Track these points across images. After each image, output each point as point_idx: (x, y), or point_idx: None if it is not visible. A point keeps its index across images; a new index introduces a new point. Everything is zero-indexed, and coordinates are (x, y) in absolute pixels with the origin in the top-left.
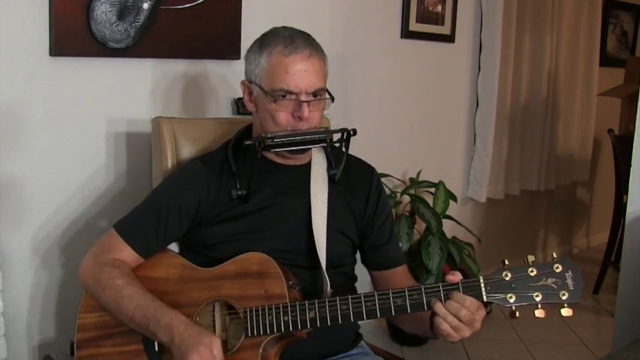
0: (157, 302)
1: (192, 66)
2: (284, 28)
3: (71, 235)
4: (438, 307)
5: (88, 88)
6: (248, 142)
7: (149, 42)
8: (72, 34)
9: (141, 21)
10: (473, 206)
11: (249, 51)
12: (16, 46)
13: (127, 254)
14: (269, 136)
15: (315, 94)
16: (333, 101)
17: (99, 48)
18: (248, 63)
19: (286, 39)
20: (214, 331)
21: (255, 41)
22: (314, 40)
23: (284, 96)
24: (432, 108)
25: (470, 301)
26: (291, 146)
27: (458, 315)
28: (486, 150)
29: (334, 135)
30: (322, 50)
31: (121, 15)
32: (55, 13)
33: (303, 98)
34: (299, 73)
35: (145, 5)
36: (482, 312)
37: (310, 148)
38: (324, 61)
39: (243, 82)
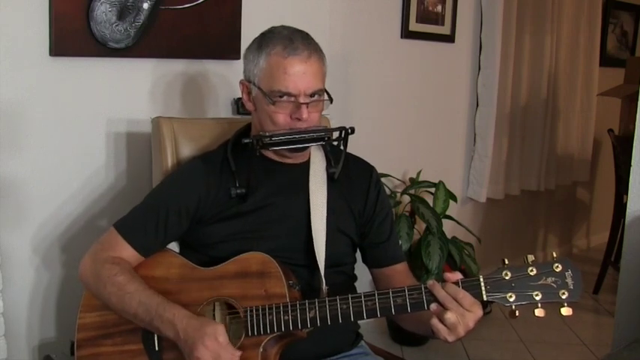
0: (159, 298)
1: (192, 66)
2: (283, 27)
3: (71, 235)
4: (437, 289)
5: (88, 88)
6: (246, 141)
7: (149, 42)
8: (72, 34)
9: (141, 21)
10: (473, 206)
11: (247, 50)
12: (16, 46)
13: (127, 253)
14: (267, 134)
15: (313, 94)
16: (331, 102)
17: (99, 48)
18: (247, 62)
19: (285, 39)
20: None
21: (254, 40)
22: (313, 39)
23: (282, 97)
24: (432, 108)
25: (463, 293)
26: (289, 145)
27: (457, 297)
28: (486, 150)
29: (333, 133)
30: (321, 50)
31: (121, 15)
32: (55, 13)
33: (301, 100)
34: (298, 74)
35: (145, 5)
36: (478, 309)
37: (308, 147)
38: (322, 62)
39: (241, 82)
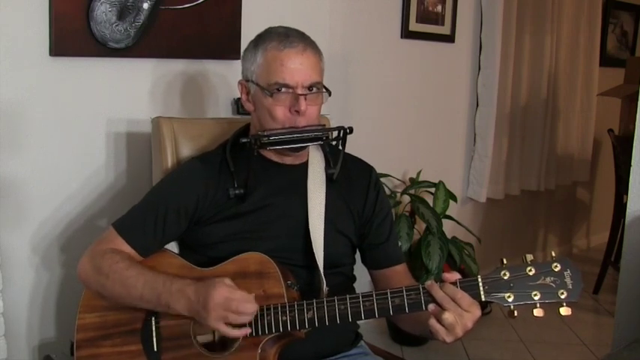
0: (163, 275)
1: (192, 66)
2: (278, 26)
3: (71, 235)
4: (435, 290)
5: (88, 88)
6: (244, 140)
7: (149, 42)
8: (72, 34)
9: (141, 21)
10: (473, 206)
11: (245, 51)
12: (16, 46)
13: (126, 251)
14: (265, 134)
15: (311, 87)
16: (330, 95)
17: (99, 48)
18: (244, 62)
19: (280, 35)
20: (213, 331)
21: (251, 41)
22: (309, 37)
23: (280, 90)
24: (432, 108)
25: (461, 293)
26: (287, 144)
27: (455, 297)
28: (486, 150)
29: (331, 133)
30: (317, 47)
31: (121, 15)
32: (55, 13)
33: (299, 91)
34: (294, 66)
35: (145, 5)
36: (476, 310)
37: (307, 146)
38: (319, 57)
39: (240, 82)
